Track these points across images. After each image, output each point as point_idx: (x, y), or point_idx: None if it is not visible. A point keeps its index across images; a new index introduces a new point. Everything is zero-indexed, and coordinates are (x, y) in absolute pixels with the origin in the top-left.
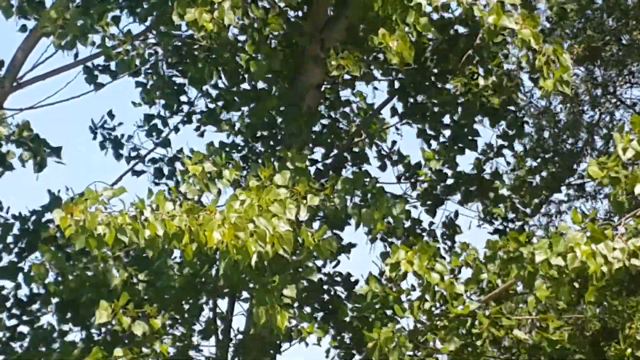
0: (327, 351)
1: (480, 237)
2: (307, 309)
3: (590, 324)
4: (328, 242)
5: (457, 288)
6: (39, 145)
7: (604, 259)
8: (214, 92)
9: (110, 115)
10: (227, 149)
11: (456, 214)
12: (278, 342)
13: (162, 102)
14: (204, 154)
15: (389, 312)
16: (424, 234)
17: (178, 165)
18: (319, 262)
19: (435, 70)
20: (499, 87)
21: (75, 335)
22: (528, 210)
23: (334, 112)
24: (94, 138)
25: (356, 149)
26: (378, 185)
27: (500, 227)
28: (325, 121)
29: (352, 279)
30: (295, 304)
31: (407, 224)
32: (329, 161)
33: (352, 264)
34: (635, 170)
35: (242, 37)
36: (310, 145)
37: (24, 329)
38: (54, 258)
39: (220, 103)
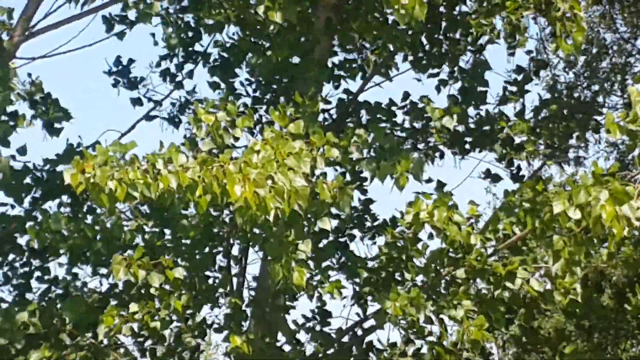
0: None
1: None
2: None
3: (613, 275)
4: (345, 191)
5: (473, 237)
6: (51, 104)
7: (627, 220)
8: (228, 42)
9: (130, 60)
10: (241, 97)
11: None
12: (293, 294)
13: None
14: (217, 102)
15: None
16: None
17: (191, 113)
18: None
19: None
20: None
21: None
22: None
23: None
24: (110, 75)
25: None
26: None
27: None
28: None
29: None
30: (311, 259)
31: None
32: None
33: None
34: None
35: None
36: (323, 92)
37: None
38: (54, 220)
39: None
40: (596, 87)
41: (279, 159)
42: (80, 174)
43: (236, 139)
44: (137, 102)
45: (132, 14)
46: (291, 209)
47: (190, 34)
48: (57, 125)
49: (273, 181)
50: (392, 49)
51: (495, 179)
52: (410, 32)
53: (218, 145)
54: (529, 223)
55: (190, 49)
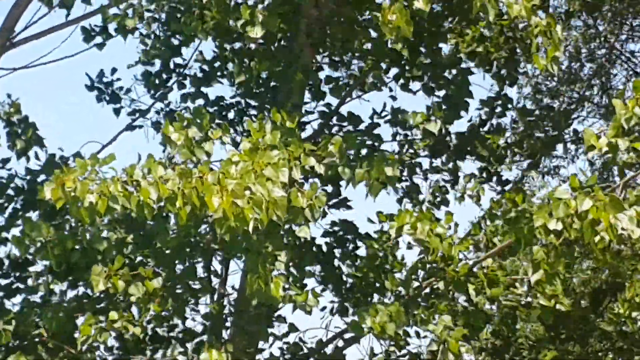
0: (323, 309)
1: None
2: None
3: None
4: (318, 199)
5: (454, 249)
6: (28, 129)
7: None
8: (208, 56)
9: (113, 70)
10: (217, 109)
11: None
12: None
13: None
14: (189, 117)
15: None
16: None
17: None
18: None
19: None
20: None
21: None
22: (525, 164)
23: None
24: (91, 90)
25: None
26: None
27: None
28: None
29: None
30: (290, 268)
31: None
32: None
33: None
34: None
35: None
36: (305, 103)
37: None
38: (35, 229)
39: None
40: (576, 95)
41: (257, 170)
42: (61, 188)
43: (208, 154)
44: (118, 111)
45: (112, 26)
46: (269, 220)
47: (170, 45)
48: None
49: (251, 192)
50: (375, 60)
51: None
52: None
53: (192, 160)
54: (507, 235)
55: (171, 60)
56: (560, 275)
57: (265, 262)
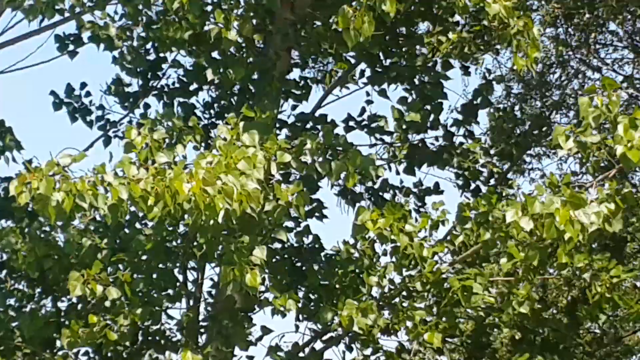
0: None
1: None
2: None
3: (566, 290)
4: (302, 197)
5: (426, 250)
6: (4, 133)
7: (580, 225)
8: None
9: (82, 85)
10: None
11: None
12: (249, 307)
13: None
14: (153, 119)
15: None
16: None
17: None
18: (290, 224)
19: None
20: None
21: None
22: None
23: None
24: (58, 108)
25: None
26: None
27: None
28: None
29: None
30: (266, 271)
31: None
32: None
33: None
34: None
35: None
36: (281, 105)
37: None
38: (3, 236)
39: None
40: (549, 100)
41: (231, 164)
42: (25, 185)
43: (169, 162)
44: (91, 123)
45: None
46: (243, 212)
47: (145, 61)
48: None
49: (222, 182)
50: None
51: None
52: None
53: (151, 162)
54: (482, 235)
55: (149, 74)
56: (536, 271)
57: (241, 255)
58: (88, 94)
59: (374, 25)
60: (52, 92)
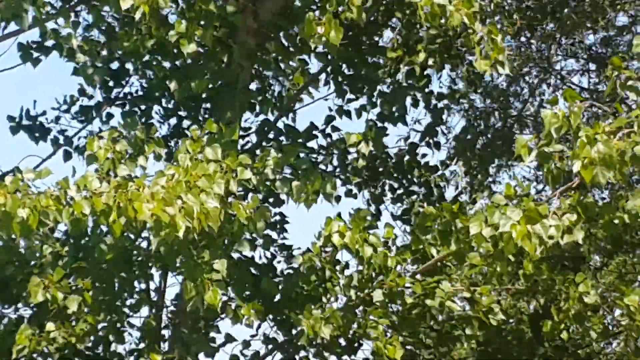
0: (258, 327)
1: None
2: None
3: (530, 302)
4: (261, 212)
5: (390, 260)
6: None
7: (538, 239)
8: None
9: (34, 103)
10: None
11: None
12: (211, 316)
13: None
14: (115, 129)
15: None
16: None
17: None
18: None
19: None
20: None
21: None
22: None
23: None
24: (16, 132)
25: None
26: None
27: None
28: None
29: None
30: (228, 281)
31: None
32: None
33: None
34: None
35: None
36: (242, 116)
37: None
38: None
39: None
40: (513, 112)
41: (190, 181)
42: None
43: (143, 168)
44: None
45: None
46: (203, 230)
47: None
48: None
49: (183, 201)
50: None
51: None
52: (329, 57)
53: (120, 176)
54: (445, 248)
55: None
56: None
57: (202, 271)
58: (44, 112)
59: (341, 32)
60: (9, 117)
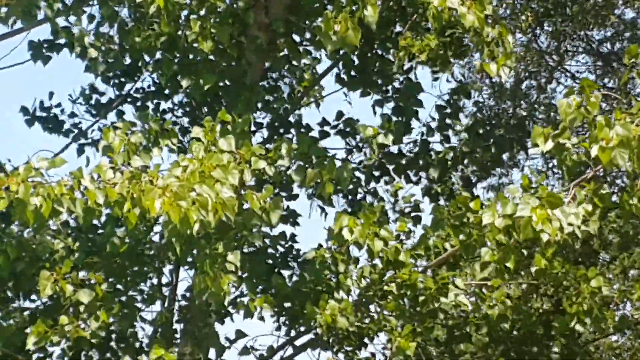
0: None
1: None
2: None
3: (541, 301)
4: (275, 203)
5: (402, 255)
6: None
7: (559, 224)
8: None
9: (50, 95)
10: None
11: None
12: (222, 310)
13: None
14: (129, 122)
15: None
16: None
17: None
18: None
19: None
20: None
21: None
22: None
23: (279, 79)
24: (31, 124)
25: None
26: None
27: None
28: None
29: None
30: (240, 273)
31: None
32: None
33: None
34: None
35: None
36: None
37: None
38: None
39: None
40: (523, 112)
41: (205, 172)
42: (4, 190)
43: (145, 166)
44: (63, 132)
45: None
46: (218, 221)
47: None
48: None
49: (197, 193)
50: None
51: (434, 198)
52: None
53: (134, 167)
54: (454, 237)
55: (124, 78)
56: (510, 272)
57: (214, 262)
58: (58, 104)
59: (359, 32)
60: (23, 109)
